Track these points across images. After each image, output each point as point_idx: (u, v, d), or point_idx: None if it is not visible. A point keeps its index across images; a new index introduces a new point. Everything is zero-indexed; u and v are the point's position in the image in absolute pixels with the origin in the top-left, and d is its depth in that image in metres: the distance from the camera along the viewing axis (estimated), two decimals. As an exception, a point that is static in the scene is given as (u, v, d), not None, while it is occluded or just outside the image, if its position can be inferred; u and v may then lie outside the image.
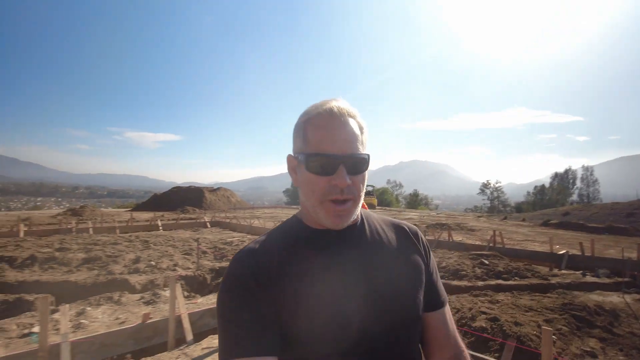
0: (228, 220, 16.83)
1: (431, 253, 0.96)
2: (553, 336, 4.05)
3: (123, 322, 4.45)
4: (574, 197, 58.14)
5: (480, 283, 6.61)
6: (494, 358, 3.59)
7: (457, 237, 12.28)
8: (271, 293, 0.74)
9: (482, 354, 3.64)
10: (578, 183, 59.89)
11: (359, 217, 0.89)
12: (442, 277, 6.43)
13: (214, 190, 34.80)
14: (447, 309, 0.95)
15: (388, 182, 74.87)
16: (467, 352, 0.95)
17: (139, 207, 30.46)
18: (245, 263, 0.77)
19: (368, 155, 0.81)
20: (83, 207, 20.93)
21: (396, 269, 0.84)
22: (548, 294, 5.72)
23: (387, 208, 38.74)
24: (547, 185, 57.40)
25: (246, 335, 0.71)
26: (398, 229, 0.93)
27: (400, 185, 75.06)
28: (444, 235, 10.86)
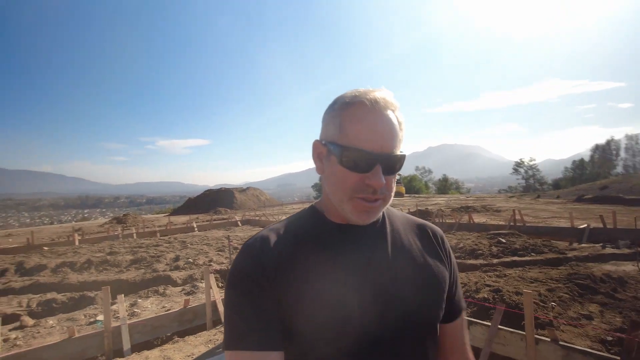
0: (257, 218, 17.67)
1: (452, 256, 0.88)
2: (553, 303, 4.36)
3: (168, 310, 5.18)
4: (619, 169, 54.84)
5: (495, 260, 6.87)
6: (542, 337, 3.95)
7: (481, 219, 12.39)
8: (276, 287, 0.71)
9: (482, 321, 4.02)
10: (622, 154, 56.36)
11: (382, 214, 0.83)
12: (458, 258, 6.85)
13: (243, 190, 36.06)
14: (463, 316, 0.90)
15: (416, 168, 73.87)
16: None
17: (175, 212, 32.20)
18: (254, 254, 0.73)
19: (404, 156, 0.74)
20: (126, 215, 22.59)
21: (412, 272, 0.77)
22: (560, 267, 5.91)
23: (416, 195, 38.45)
24: (587, 159, 54.53)
25: (250, 329, 0.69)
26: (421, 230, 0.87)
27: (429, 171, 73.82)
28: (465, 218, 11.02)
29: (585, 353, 2.90)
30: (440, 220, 11.77)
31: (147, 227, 15.74)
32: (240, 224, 17.11)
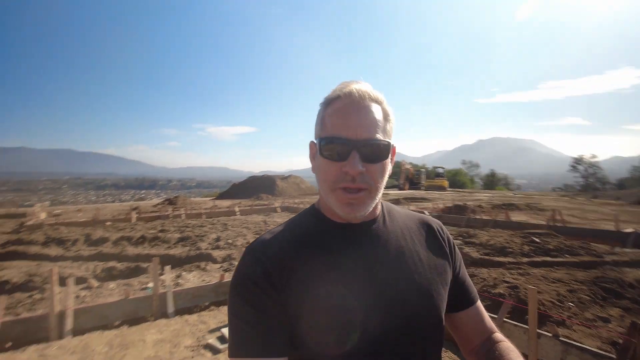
0: (296, 205, 18.34)
1: (456, 249, 0.89)
2: (571, 303, 4.37)
3: (207, 282, 5.85)
4: None
5: (524, 259, 6.79)
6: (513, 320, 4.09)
7: (521, 217, 11.98)
8: (280, 293, 0.70)
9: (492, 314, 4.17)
10: None
11: (380, 211, 0.83)
12: (486, 255, 6.84)
13: (285, 178, 37.14)
14: (479, 305, 0.90)
15: (463, 162, 71.07)
16: (501, 335, 0.92)
17: (221, 196, 34.03)
18: (258, 259, 0.73)
19: (389, 143, 0.74)
20: (177, 197, 24.40)
21: (416, 270, 0.77)
22: (590, 270, 5.76)
23: (460, 190, 37.26)
24: (660, 157, 49.08)
25: (255, 336, 0.68)
26: (422, 225, 0.87)
27: (477, 165, 70.68)
28: (502, 215, 10.77)
29: (583, 349, 3.00)
30: (476, 216, 11.58)
31: (194, 209, 16.99)
32: (279, 210, 17.88)
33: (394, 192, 31.18)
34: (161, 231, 10.51)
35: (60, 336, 3.98)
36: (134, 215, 13.92)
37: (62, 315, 4.13)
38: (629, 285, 4.78)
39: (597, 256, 6.80)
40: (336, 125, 0.72)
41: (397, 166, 51.93)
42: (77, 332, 4.10)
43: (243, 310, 0.69)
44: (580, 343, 3.15)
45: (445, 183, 36.43)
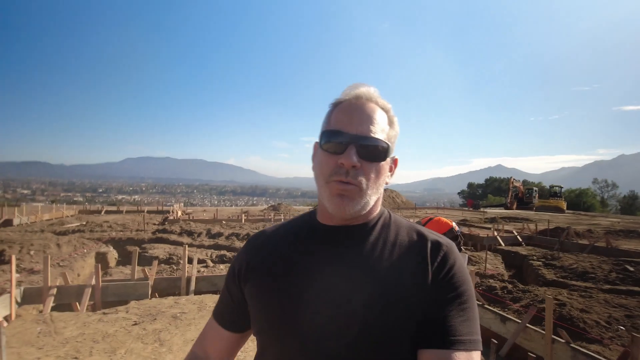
0: (384, 218, 19.07)
1: (454, 280, 0.70)
2: (622, 327, 4.35)
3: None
4: None
5: (606, 286, 6.44)
6: (538, 327, 4.36)
7: (637, 245, 10.52)
8: (244, 283, 0.80)
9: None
10: None
11: (375, 218, 0.79)
12: (563, 277, 6.77)
13: (380, 191, 37.80)
14: (445, 355, 0.65)
15: (594, 181, 60.76)
16: None
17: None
18: (245, 249, 0.85)
19: (388, 145, 0.73)
20: (280, 204, 27.44)
21: (373, 287, 0.69)
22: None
23: (581, 212, 32.34)
24: None
25: (220, 305, 0.88)
26: (416, 245, 0.75)
27: (614, 185, 59.61)
28: (603, 242, 9.77)
29: (588, 356, 3.30)
30: (572, 240, 10.67)
31: (292, 215, 19.17)
32: (368, 222, 18.83)
33: (496, 211, 28.95)
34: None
35: (187, 293, 5.77)
36: (243, 217, 16.61)
37: (189, 280, 5.95)
38: None
39: (703, 292, 6.01)
40: (339, 120, 0.73)
41: (506, 183, 47.42)
42: (197, 292, 5.86)
43: (224, 282, 0.88)
44: (589, 351, 3.42)
45: (562, 204, 32.10)
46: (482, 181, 78.39)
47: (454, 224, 7.06)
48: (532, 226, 14.00)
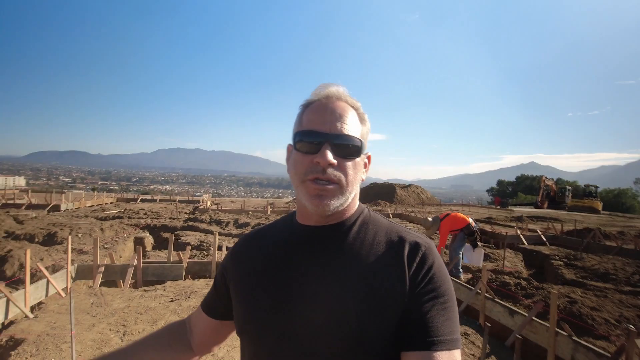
0: (408, 213, 19.10)
1: (433, 281, 0.70)
2: (632, 325, 4.43)
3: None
4: None
5: (626, 288, 6.41)
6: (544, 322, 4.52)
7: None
8: (229, 277, 0.85)
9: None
10: None
11: (353, 217, 0.79)
12: (582, 277, 6.82)
13: (405, 187, 37.52)
14: (427, 356, 0.64)
15: (636, 181, 57.43)
16: None
17: (343, 199, 36.81)
18: (238, 243, 0.89)
19: (361, 142, 0.75)
20: (304, 197, 28.13)
21: (344, 289, 0.70)
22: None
23: (619, 214, 30.83)
24: None
25: (208, 295, 0.93)
26: (394, 244, 0.74)
27: (658, 186, 56.10)
28: (629, 245, 9.54)
29: (588, 347, 3.49)
30: (596, 241, 10.46)
31: (316, 208, 19.66)
32: (391, 217, 18.97)
33: (525, 210, 28.19)
34: (286, 222, 13.09)
35: (216, 276, 6.31)
36: (268, 209, 17.22)
37: (218, 264, 6.47)
38: None
39: None
40: (311, 120, 0.74)
41: (538, 182, 45.70)
42: (225, 276, 6.38)
43: (214, 280, 0.94)
44: (592, 346, 3.59)
45: (598, 204, 30.78)
46: (513, 178, 75.77)
47: (471, 220, 7.22)
48: (558, 226, 13.71)
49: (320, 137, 0.72)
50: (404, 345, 0.67)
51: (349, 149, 0.73)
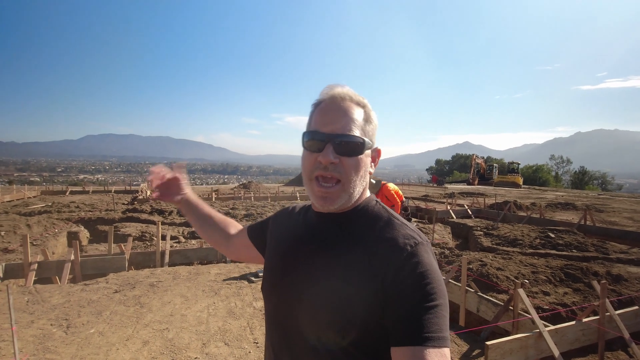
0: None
1: (425, 278, 0.71)
2: (526, 280, 5.37)
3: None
4: None
5: (529, 250, 7.59)
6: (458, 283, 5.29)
7: (564, 216, 12.01)
8: (269, 236, 1.03)
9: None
10: None
11: (359, 207, 0.85)
12: (497, 244, 7.84)
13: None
14: (417, 352, 0.66)
15: (551, 157, 64.96)
16: None
17: (289, 183, 37.04)
18: (278, 213, 1.06)
19: (364, 140, 0.80)
20: (250, 182, 27.85)
21: (338, 278, 0.76)
22: (581, 263, 6.42)
23: (536, 187, 34.96)
24: None
25: (256, 223, 1.13)
26: (385, 239, 0.77)
27: (568, 161, 64.03)
28: (536, 213, 11.11)
29: (488, 300, 4.23)
30: (513, 213, 12.00)
31: (263, 193, 19.69)
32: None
33: (458, 187, 30.78)
34: (232, 209, 13.07)
35: (162, 265, 6.32)
36: (213, 195, 16.98)
37: (163, 254, 6.48)
38: (593, 273, 5.52)
39: (602, 252, 7.27)
40: (317, 121, 0.81)
41: (469, 160, 49.86)
42: (171, 264, 6.41)
43: (266, 218, 1.11)
44: (493, 299, 4.35)
45: (519, 180, 34.54)
46: (449, 158, 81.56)
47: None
48: (482, 200, 15.32)
49: (323, 136, 0.79)
50: (394, 340, 0.69)
51: (350, 147, 0.79)
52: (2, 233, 8.23)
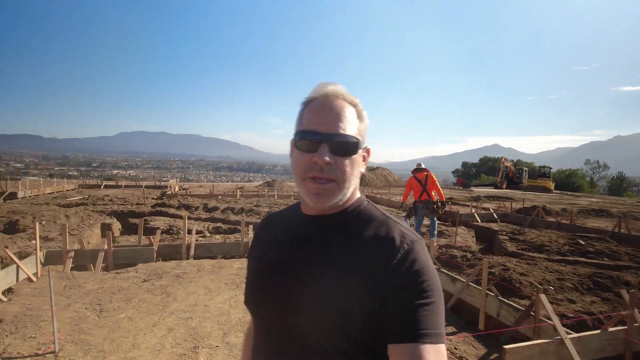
0: (374, 195, 19.89)
1: (421, 275, 0.71)
2: (551, 287, 5.22)
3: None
4: None
5: (556, 257, 7.32)
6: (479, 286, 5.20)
7: (603, 224, 11.47)
8: (256, 240, 0.98)
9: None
10: None
11: (351, 208, 0.84)
12: (522, 249, 7.65)
13: (373, 169, 38.53)
14: (414, 349, 0.66)
15: (587, 162, 61.99)
16: None
17: (313, 182, 37.31)
18: (257, 229, 1.02)
19: (358, 140, 0.78)
20: (274, 181, 28.26)
21: (332, 279, 0.74)
22: (612, 272, 6.15)
23: (568, 193, 33.48)
24: None
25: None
26: (380, 238, 0.77)
27: (605, 167, 60.89)
28: (566, 220, 10.70)
29: (509, 305, 4.15)
30: (540, 218, 11.59)
31: (286, 192, 19.94)
32: (358, 199, 19.68)
33: (485, 190, 29.96)
34: (256, 206, 13.34)
35: (187, 257, 6.59)
36: (238, 193, 17.38)
37: (188, 247, 6.75)
38: (624, 283, 5.29)
39: (637, 262, 6.91)
40: (310, 120, 0.78)
41: (497, 163, 48.37)
42: (196, 257, 6.67)
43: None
44: (511, 302, 4.28)
45: (550, 184, 33.21)
46: (477, 160, 79.35)
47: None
48: (508, 204, 14.88)
49: (318, 136, 0.76)
50: (390, 337, 0.69)
51: (346, 147, 0.77)
52: (44, 222, 8.81)
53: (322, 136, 0.76)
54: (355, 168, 0.80)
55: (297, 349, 0.76)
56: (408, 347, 0.66)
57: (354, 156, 0.79)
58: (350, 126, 0.78)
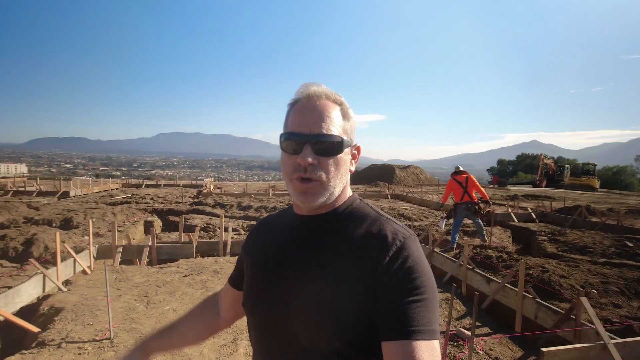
0: (405, 194, 19.64)
1: (413, 272, 0.71)
2: (594, 290, 5.00)
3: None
4: None
5: (600, 259, 6.96)
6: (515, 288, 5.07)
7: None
8: (245, 252, 0.95)
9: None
10: None
11: (343, 207, 0.84)
12: (562, 251, 7.39)
13: (404, 167, 38.00)
14: (407, 345, 0.66)
15: (637, 158, 57.72)
16: None
17: (343, 181, 37.31)
18: (253, 230, 1.00)
19: (342, 139, 0.78)
20: (305, 179, 28.65)
21: (323, 278, 0.75)
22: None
23: (616, 191, 31.32)
24: None
25: (233, 270, 1.03)
26: (372, 236, 0.77)
27: (658, 163, 56.42)
28: (612, 220, 10.09)
29: (547, 307, 4.04)
30: (583, 218, 11.00)
31: (316, 191, 20.19)
32: (389, 197, 19.52)
33: (522, 189, 28.71)
34: (287, 204, 13.62)
35: (224, 254, 6.90)
36: (270, 192, 17.78)
37: (225, 244, 7.06)
38: (677, 288, 4.97)
39: (693, 267, 6.44)
40: (294, 122, 0.79)
41: (536, 160, 46.00)
42: (232, 254, 6.97)
43: (239, 255, 1.03)
44: (549, 304, 4.16)
45: (594, 182, 31.22)
46: (514, 157, 75.94)
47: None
48: (548, 204, 14.22)
49: (301, 137, 0.77)
50: (384, 334, 0.69)
51: (329, 147, 0.77)
52: (94, 219, 9.49)
53: (305, 137, 0.76)
54: (341, 167, 0.80)
55: (291, 350, 0.77)
56: (401, 344, 0.66)
57: (340, 155, 0.79)
58: (334, 126, 0.78)
